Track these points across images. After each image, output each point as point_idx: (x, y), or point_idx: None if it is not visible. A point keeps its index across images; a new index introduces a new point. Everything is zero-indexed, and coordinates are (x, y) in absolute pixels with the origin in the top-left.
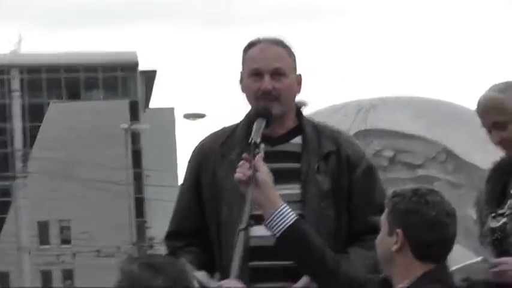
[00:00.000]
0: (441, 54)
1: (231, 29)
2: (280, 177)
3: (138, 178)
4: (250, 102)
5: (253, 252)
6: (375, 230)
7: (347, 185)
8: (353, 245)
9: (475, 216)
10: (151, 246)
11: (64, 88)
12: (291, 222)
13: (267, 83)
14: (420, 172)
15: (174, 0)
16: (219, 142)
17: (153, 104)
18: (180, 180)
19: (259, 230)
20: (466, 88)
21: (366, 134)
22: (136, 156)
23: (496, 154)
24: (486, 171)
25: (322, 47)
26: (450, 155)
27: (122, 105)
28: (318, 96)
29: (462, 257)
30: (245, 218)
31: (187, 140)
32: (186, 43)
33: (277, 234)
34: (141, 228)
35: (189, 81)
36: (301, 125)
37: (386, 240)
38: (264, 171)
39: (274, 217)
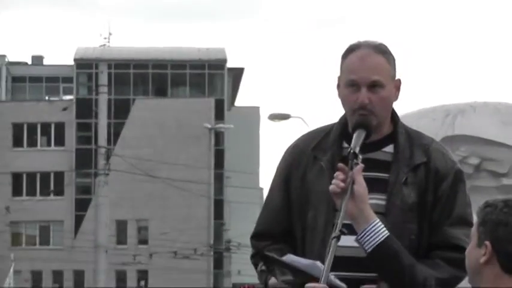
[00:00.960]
0: None
1: (320, 28)
2: (368, 186)
3: (219, 179)
4: (346, 111)
5: (339, 261)
6: (448, 243)
7: (432, 199)
8: (419, 261)
9: None
10: (228, 249)
11: (151, 84)
12: (383, 239)
13: (364, 96)
14: (505, 181)
15: None
16: (312, 144)
17: (239, 102)
18: (262, 182)
19: (350, 240)
20: None
21: (453, 139)
22: (219, 156)
23: None
24: None
25: (413, 48)
26: None
27: (207, 104)
28: (407, 99)
29: None
30: (338, 226)
31: (271, 141)
32: (274, 41)
33: (369, 250)
34: (218, 230)
35: (275, 80)
36: (395, 132)
37: (475, 252)
38: (362, 184)
39: (366, 232)
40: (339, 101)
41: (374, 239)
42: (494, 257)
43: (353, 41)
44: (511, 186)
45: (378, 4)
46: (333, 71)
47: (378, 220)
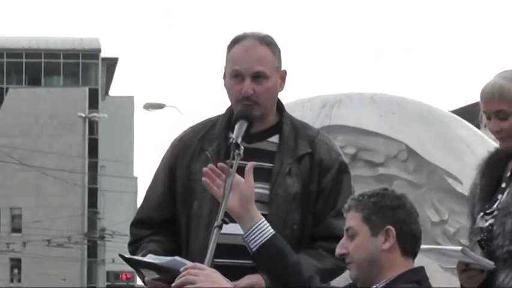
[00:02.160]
0: (407, 52)
1: (195, 17)
2: (253, 175)
3: (93, 168)
4: (231, 101)
5: (222, 249)
6: (332, 234)
7: (316, 189)
8: (302, 251)
9: (432, 218)
10: (102, 237)
11: (24, 73)
12: (268, 237)
13: (247, 86)
14: (381, 171)
15: None
16: (199, 135)
17: (113, 91)
18: (136, 171)
19: (233, 228)
20: (431, 87)
21: (330, 129)
22: (93, 146)
23: (458, 155)
24: (446, 171)
25: (292, 41)
26: (412, 154)
27: (81, 93)
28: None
29: (417, 259)
30: (220, 215)
31: (146, 131)
32: (148, 31)
33: (254, 249)
34: (93, 218)
35: (150, 70)
36: (281, 122)
37: (371, 242)
38: (250, 185)
39: (251, 231)
40: (214, 90)
41: (259, 238)
42: (395, 242)
43: (237, 32)
44: (387, 175)
45: None
46: (209, 60)
47: (263, 219)
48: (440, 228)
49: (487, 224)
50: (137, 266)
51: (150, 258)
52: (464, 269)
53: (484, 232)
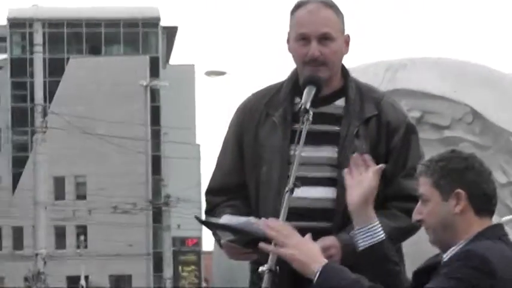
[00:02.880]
0: (471, 16)
1: None
2: (320, 139)
3: (156, 135)
4: (297, 65)
5: (293, 212)
6: (404, 194)
7: (385, 152)
8: (376, 212)
9: (500, 180)
10: (167, 204)
11: (85, 43)
12: (378, 241)
13: (314, 48)
14: (447, 133)
15: None
16: (264, 101)
17: (173, 60)
18: (198, 139)
19: (302, 192)
20: (494, 50)
21: (394, 93)
22: (155, 113)
23: None
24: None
25: (355, 5)
26: (477, 116)
27: (142, 61)
28: (350, 55)
29: None
30: (292, 179)
31: (207, 98)
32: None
33: (361, 248)
34: (157, 185)
35: (209, 38)
36: (346, 85)
37: (443, 207)
38: (375, 185)
39: (364, 230)
40: (275, 56)
41: (370, 239)
42: (467, 204)
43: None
44: (453, 138)
45: None
46: (269, 26)
47: (378, 223)
48: (508, 189)
49: None
50: (213, 228)
51: (225, 219)
52: None
53: None
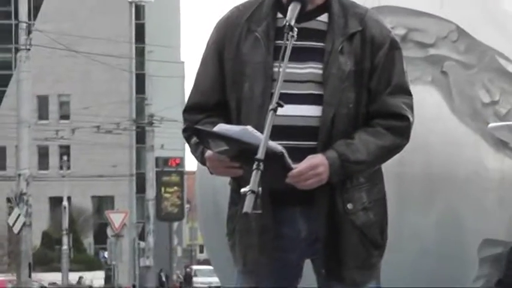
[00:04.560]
0: None
1: None
2: (303, 55)
3: (140, 53)
4: None
5: (278, 131)
6: (389, 111)
7: (369, 67)
8: (361, 129)
9: (483, 99)
10: (150, 123)
11: None
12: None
13: None
14: (431, 51)
15: None
16: (246, 16)
17: None
18: (183, 56)
19: (286, 109)
20: None
21: (379, 10)
22: (140, 30)
23: (509, 34)
24: (497, 51)
25: None
26: (462, 34)
27: None
28: None
29: (468, 140)
30: (275, 97)
31: (192, 14)
32: None
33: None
34: (141, 104)
35: None
36: (329, 1)
37: None
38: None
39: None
40: None
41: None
42: None
43: None
44: (437, 56)
45: None
46: None
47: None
48: (491, 108)
49: None
50: (206, 137)
51: (220, 128)
52: None
53: None
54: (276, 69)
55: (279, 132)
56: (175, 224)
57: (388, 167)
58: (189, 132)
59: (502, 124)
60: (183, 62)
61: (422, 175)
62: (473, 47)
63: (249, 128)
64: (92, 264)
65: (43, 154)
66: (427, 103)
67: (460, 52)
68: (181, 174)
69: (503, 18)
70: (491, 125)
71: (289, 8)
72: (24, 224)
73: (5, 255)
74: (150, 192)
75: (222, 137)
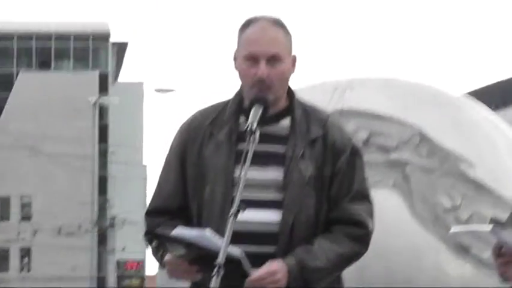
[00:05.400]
0: (420, 38)
1: (203, 3)
2: (265, 160)
3: (103, 153)
4: (243, 84)
5: (238, 236)
6: (349, 219)
7: (330, 173)
8: (320, 236)
9: (445, 204)
10: (112, 226)
11: (35, 57)
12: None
13: (263, 70)
14: (393, 155)
15: None
16: (208, 120)
17: (122, 77)
18: (145, 159)
19: (247, 215)
20: (443, 70)
21: (342, 114)
22: (103, 131)
23: (471, 140)
24: (459, 156)
25: (305, 26)
26: (424, 138)
27: (91, 77)
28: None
29: (429, 246)
30: (236, 201)
31: (155, 117)
32: (157, 15)
33: None
34: (103, 206)
35: (159, 55)
36: (292, 106)
37: None
38: None
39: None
40: (222, 74)
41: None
42: None
43: (246, 16)
44: (399, 160)
45: None
46: (217, 45)
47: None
48: (453, 214)
49: None
50: (164, 240)
51: (178, 231)
52: (499, 253)
53: None
54: (237, 174)
55: (239, 237)
56: None
57: (348, 273)
58: (150, 236)
59: (464, 229)
60: (145, 165)
61: (382, 281)
62: (435, 152)
63: (208, 231)
64: None
65: (3, 256)
66: (388, 207)
67: (422, 156)
68: (141, 278)
69: (465, 124)
70: (453, 229)
71: (251, 112)
72: None
73: None
74: None
75: (180, 241)
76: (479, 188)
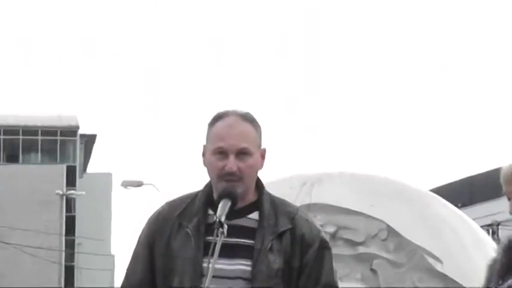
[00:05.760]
0: (386, 132)
1: (173, 97)
2: (233, 252)
3: (70, 245)
4: (212, 178)
5: None
6: None
7: (298, 265)
8: None
9: None
10: None
11: (2, 150)
12: None
13: (232, 163)
14: (361, 249)
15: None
16: (177, 212)
17: (91, 168)
18: (113, 249)
19: None
20: (410, 166)
21: (310, 208)
22: (70, 223)
23: (438, 234)
24: (426, 250)
25: (272, 120)
26: (392, 232)
27: (59, 170)
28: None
29: None
30: None
31: (124, 208)
32: (126, 108)
33: None
34: None
35: (128, 147)
36: (261, 199)
37: None
38: None
39: None
40: (192, 168)
41: None
42: None
43: (215, 111)
44: (367, 254)
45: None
46: (186, 138)
47: None
48: None
49: None
50: None
51: None
52: None
53: None
54: (205, 265)
55: None
56: None
57: None
58: None
59: None
60: (113, 255)
61: None
62: (403, 246)
63: None
64: None
65: None
66: None
67: (389, 251)
68: None
69: (433, 220)
70: None
71: (220, 205)
72: None
73: None
74: None
75: None
76: (447, 281)
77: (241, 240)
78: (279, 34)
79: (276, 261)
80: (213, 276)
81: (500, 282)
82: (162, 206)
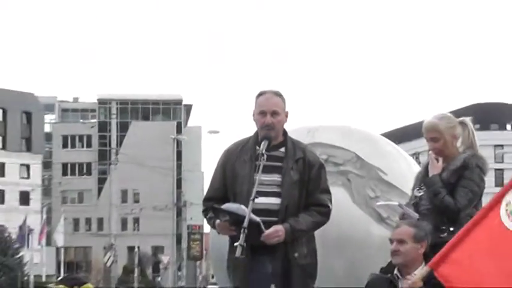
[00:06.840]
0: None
1: (238, 68)
2: (270, 169)
3: (179, 166)
4: (258, 128)
5: (256, 212)
6: (319, 203)
7: (307, 178)
8: (302, 212)
9: (371, 194)
10: (185, 206)
11: (140, 113)
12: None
13: (268, 119)
14: (341, 168)
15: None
16: (238, 148)
17: (190, 123)
18: (205, 178)
19: (261, 200)
20: (371, 115)
21: (312, 145)
22: (179, 154)
23: (386, 160)
24: (378, 168)
25: (292, 89)
26: (359, 159)
27: (172, 125)
28: (288, 122)
29: (362, 219)
30: (254, 193)
31: (209, 148)
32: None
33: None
34: (179, 195)
35: (209, 109)
36: (285, 140)
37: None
38: None
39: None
40: (251, 121)
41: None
42: None
43: (259, 89)
44: (345, 170)
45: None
46: (246, 105)
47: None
48: (374, 200)
49: (419, 194)
50: (217, 212)
51: (225, 205)
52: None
53: (416, 199)
54: (255, 177)
55: (256, 212)
56: (198, 262)
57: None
58: (206, 212)
59: (383, 204)
60: (203, 172)
61: (336, 242)
62: (365, 166)
63: (242, 206)
64: (151, 285)
65: (124, 220)
66: (338, 198)
67: (357, 168)
68: (201, 234)
69: (381, 150)
70: (377, 205)
71: (262, 144)
72: (113, 262)
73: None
74: (184, 244)
75: (225, 212)
76: (390, 186)
77: (275, 163)
78: None
79: (295, 175)
80: (259, 184)
81: (417, 188)
82: (230, 145)
